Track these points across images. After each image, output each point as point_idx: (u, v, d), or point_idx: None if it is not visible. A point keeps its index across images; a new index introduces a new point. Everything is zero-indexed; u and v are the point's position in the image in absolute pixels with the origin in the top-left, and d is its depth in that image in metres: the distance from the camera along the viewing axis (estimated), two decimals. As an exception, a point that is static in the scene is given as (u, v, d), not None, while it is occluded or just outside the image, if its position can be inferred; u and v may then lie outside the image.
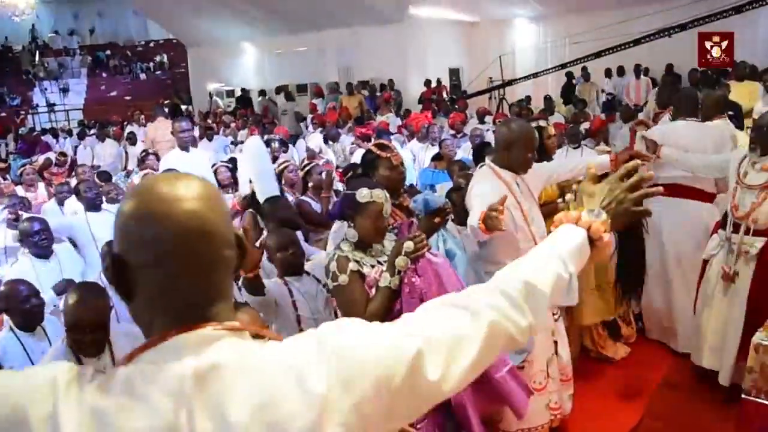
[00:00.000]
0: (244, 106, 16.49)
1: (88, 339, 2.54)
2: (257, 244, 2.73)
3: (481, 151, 4.71)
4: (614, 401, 3.93)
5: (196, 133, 10.65)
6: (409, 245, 2.40)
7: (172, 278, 0.95)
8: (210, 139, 10.38)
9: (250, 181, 4.87)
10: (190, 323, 0.95)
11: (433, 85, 14.79)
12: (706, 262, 3.95)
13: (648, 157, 3.82)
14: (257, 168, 4.27)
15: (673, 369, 4.06)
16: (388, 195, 2.57)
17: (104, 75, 24.57)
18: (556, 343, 3.33)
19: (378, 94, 14.66)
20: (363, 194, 2.50)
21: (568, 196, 4.04)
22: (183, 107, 17.58)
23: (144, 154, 7.71)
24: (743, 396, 3.24)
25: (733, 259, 3.70)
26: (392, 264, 2.42)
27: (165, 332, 0.94)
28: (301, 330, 2.95)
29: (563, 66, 13.15)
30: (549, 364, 3.25)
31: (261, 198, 3.85)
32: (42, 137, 14.68)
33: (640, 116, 6.21)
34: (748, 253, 3.62)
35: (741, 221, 3.65)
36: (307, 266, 3.18)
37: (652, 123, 4.83)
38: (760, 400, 3.19)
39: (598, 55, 12.21)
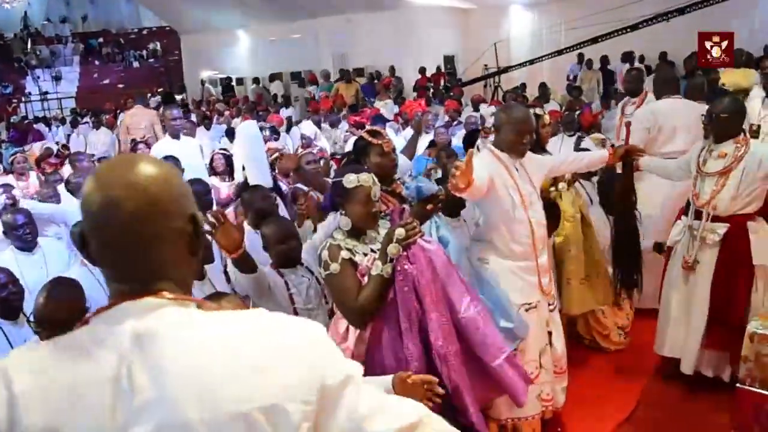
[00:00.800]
0: (231, 95, 16.39)
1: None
2: (235, 223, 2.68)
3: (472, 138, 4.68)
4: (608, 390, 3.92)
5: (194, 119, 10.64)
6: (400, 232, 2.37)
7: (112, 252, 1.04)
8: (207, 128, 10.33)
9: (243, 168, 4.85)
10: (134, 294, 1.02)
11: (432, 72, 14.72)
12: (671, 249, 4.01)
13: (643, 151, 3.85)
14: (250, 153, 4.23)
15: (667, 357, 4.04)
16: (375, 178, 2.54)
17: (97, 63, 24.38)
18: (550, 333, 3.31)
19: (376, 81, 14.60)
20: (350, 180, 2.48)
21: (561, 185, 4.01)
22: (178, 96, 17.46)
23: (134, 143, 7.66)
24: (738, 385, 3.25)
25: (694, 247, 3.73)
26: (384, 251, 2.40)
27: (114, 300, 1.02)
28: None
29: (559, 52, 13.09)
30: (542, 354, 3.23)
31: (252, 183, 3.81)
32: (34, 125, 14.59)
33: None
34: (707, 240, 3.67)
35: (702, 209, 3.69)
36: None
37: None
38: (754, 389, 3.18)
39: (594, 41, 12.15)
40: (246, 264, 2.74)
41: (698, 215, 3.73)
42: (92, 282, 3.37)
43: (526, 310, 3.12)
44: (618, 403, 3.79)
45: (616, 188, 3.93)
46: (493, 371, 2.49)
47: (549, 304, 3.30)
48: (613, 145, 3.85)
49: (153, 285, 1.04)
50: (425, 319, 2.38)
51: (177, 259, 1.08)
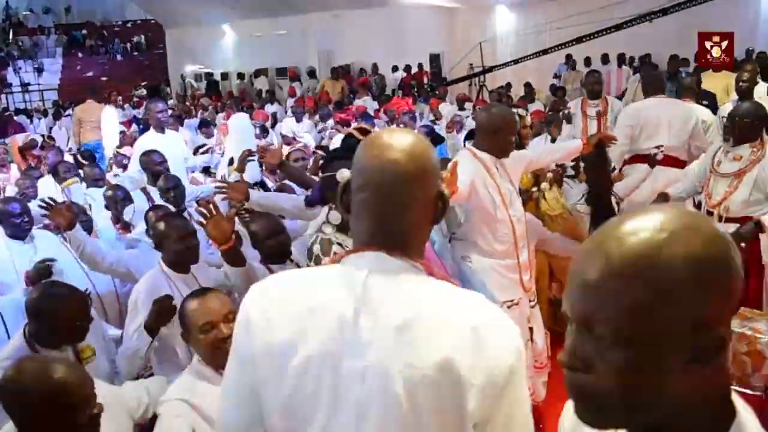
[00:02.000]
0: (214, 92, 16.27)
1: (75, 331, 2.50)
2: (226, 215, 2.69)
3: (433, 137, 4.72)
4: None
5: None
6: None
7: (377, 205, 1.19)
8: (181, 124, 10.26)
9: (231, 163, 4.83)
10: (379, 247, 1.17)
11: (415, 70, 14.76)
12: None
13: (615, 139, 3.87)
14: (241, 146, 4.22)
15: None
16: None
17: (80, 55, 24.14)
18: (531, 329, 3.34)
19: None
20: (344, 174, 2.48)
21: (543, 185, 4.06)
22: (168, 89, 17.36)
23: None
24: (715, 382, 3.29)
25: None
26: None
27: (360, 247, 1.19)
28: None
29: (545, 52, 13.17)
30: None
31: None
32: (15, 118, 14.40)
33: (618, 104, 6.32)
34: None
35: (713, 209, 3.74)
36: None
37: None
38: (732, 387, 3.24)
39: (578, 40, 12.25)
40: (235, 257, 2.74)
41: (709, 214, 3.75)
42: (77, 270, 3.38)
43: (509, 307, 3.15)
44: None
45: (591, 175, 3.97)
46: None
47: (530, 301, 3.34)
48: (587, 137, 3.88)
49: (397, 243, 1.17)
50: None
51: (421, 224, 1.23)
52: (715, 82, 7.54)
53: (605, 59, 13.07)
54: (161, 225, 2.97)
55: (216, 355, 2.06)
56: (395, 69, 14.81)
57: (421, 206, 1.20)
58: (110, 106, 9.47)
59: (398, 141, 1.21)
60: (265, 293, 1.21)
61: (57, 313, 2.45)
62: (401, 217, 1.19)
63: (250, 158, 3.90)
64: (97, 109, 9.15)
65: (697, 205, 3.94)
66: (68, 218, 3.21)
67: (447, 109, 6.99)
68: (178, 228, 2.93)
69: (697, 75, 8.39)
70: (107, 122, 5.90)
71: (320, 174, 2.89)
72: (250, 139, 4.34)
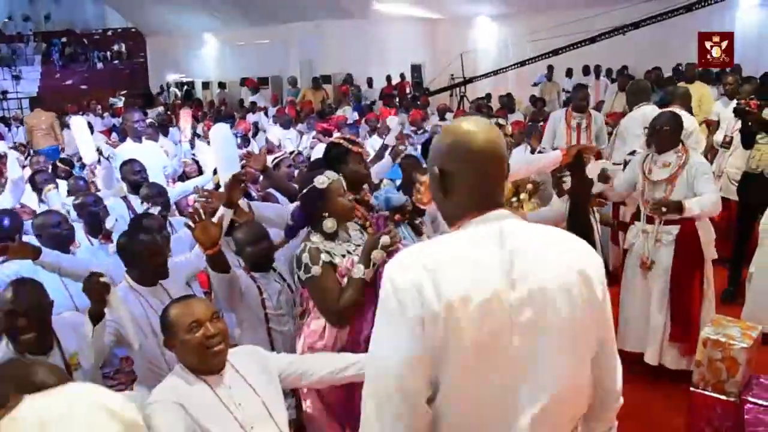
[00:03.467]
0: (190, 100, 16.18)
1: (28, 337, 2.48)
2: (215, 220, 2.70)
3: (428, 147, 4.71)
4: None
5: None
6: (386, 239, 2.46)
7: (486, 178, 1.46)
8: (165, 134, 10.20)
9: (215, 172, 4.82)
10: (492, 207, 1.45)
11: (396, 80, 14.83)
12: (626, 251, 4.33)
13: (593, 149, 3.95)
14: (223, 154, 4.19)
15: (625, 362, 4.15)
16: (335, 173, 2.65)
17: (59, 63, 23.93)
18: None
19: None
20: (321, 181, 2.58)
21: (523, 196, 4.10)
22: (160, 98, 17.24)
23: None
24: (692, 389, 3.36)
25: (650, 249, 4.05)
26: (368, 256, 2.46)
27: (478, 212, 1.44)
28: (268, 328, 2.94)
29: (522, 63, 13.33)
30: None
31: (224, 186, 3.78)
32: (-7, 125, 14.25)
33: (601, 118, 6.45)
34: (663, 240, 4.01)
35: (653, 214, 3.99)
36: None
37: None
38: (707, 392, 3.30)
39: (555, 52, 12.42)
40: (220, 263, 2.75)
41: (650, 219, 4.05)
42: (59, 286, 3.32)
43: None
44: (577, 406, 3.87)
45: (571, 185, 3.97)
46: None
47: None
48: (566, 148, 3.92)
49: (500, 204, 1.47)
50: None
51: (503, 191, 1.52)
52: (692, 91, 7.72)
53: (586, 71, 13.25)
54: (128, 239, 2.98)
55: (204, 355, 2.08)
56: (370, 83, 14.90)
57: (505, 177, 1.52)
58: (77, 116, 9.40)
59: (489, 125, 1.51)
60: (410, 260, 1.38)
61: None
62: (502, 180, 1.49)
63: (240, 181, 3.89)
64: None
65: (638, 209, 4.19)
66: (27, 252, 3.10)
67: (395, 121, 7.06)
68: (147, 244, 2.94)
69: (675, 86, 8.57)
70: (77, 131, 5.88)
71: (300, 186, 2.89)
72: (231, 147, 4.32)
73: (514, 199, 4.07)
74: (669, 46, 12.58)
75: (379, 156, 4.56)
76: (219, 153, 4.07)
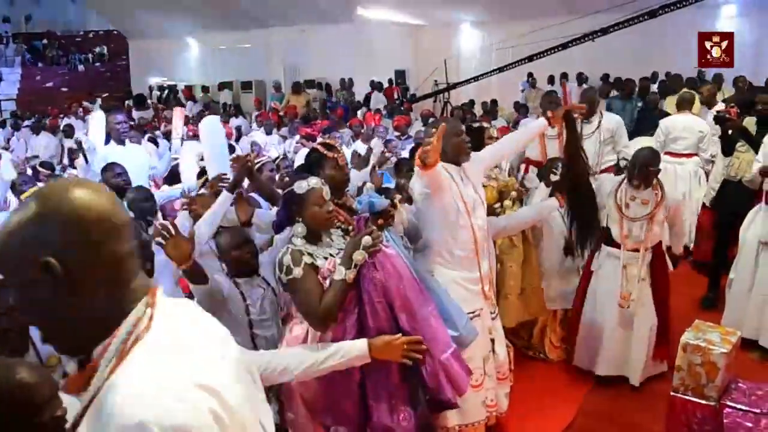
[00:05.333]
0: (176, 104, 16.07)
1: (10, 336, 2.45)
2: (187, 235, 2.67)
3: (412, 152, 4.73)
4: (550, 400, 4.02)
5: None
6: (367, 240, 2.45)
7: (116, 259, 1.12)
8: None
9: (199, 176, 4.79)
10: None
11: (386, 86, 14.86)
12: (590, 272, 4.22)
13: (582, 108, 3.91)
14: (213, 148, 4.16)
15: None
16: (323, 181, 2.63)
17: (40, 65, 23.68)
18: (493, 341, 3.39)
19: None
20: (301, 186, 2.56)
21: (506, 202, 4.12)
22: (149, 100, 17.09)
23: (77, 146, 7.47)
24: (672, 393, 3.39)
25: (629, 283, 4.00)
26: (349, 258, 2.45)
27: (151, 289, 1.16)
28: (252, 333, 2.93)
29: (501, 69, 13.42)
30: (486, 361, 3.31)
31: (213, 176, 3.75)
32: (-28, 128, 14.06)
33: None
34: (642, 274, 4.01)
35: (635, 249, 3.99)
36: None
37: None
38: (687, 397, 3.33)
39: (530, 58, 12.53)
40: (197, 275, 2.73)
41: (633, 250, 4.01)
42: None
43: (471, 319, 3.19)
44: (559, 412, 3.90)
45: (565, 150, 3.85)
46: (441, 364, 2.58)
47: (491, 313, 3.39)
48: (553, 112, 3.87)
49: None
50: (394, 321, 2.46)
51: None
52: (671, 101, 7.87)
53: (565, 77, 13.35)
54: None
55: None
56: (346, 84, 14.93)
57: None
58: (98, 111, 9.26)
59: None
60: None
61: None
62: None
63: (223, 181, 3.86)
64: None
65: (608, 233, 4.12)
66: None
67: (378, 146, 7.12)
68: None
69: (654, 95, 8.72)
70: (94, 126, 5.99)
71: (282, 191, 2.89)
72: (222, 139, 4.30)
73: (497, 206, 4.09)
74: (649, 54, 12.76)
75: (365, 160, 4.55)
76: (209, 145, 4.04)
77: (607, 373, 4.11)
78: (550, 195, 3.99)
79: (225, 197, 3.28)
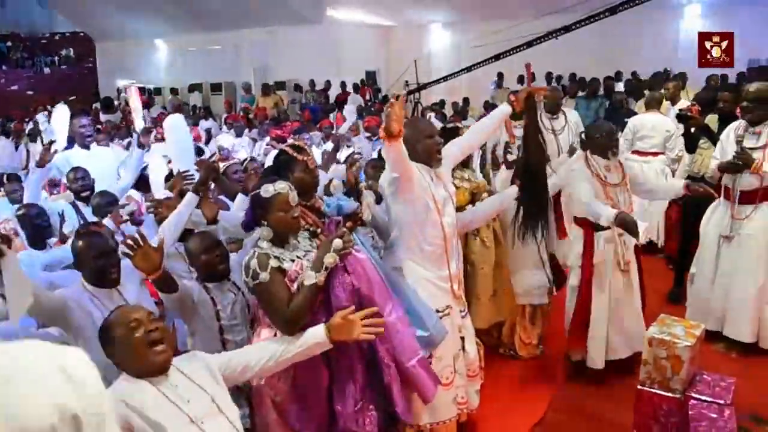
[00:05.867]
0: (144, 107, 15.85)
1: None
2: (155, 245, 2.64)
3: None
4: (520, 396, 4.07)
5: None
6: (338, 243, 2.43)
7: None
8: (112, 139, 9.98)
9: (167, 179, 4.75)
10: None
11: (350, 88, 14.88)
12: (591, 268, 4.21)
13: (543, 90, 3.92)
14: (176, 142, 4.13)
15: (575, 364, 4.27)
16: (291, 186, 2.61)
17: (4, 67, 23.24)
18: (463, 339, 3.42)
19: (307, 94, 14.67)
20: (267, 190, 2.54)
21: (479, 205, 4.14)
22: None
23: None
24: (639, 387, 3.45)
25: (624, 251, 4.11)
26: (320, 261, 2.44)
27: None
28: (223, 339, 2.91)
29: (468, 69, 13.49)
30: (456, 359, 3.33)
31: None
32: (-65, 132, 13.73)
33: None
34: (626, 243, 4.13)
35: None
36: None
37: None
38: (653, 390, 3.39)
39: (497, 57, 12.61)
40: (166, 285, 2.71)
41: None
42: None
43: (440, 318, 3.22)
44: (530, 407, 3.94)
45: (523, 132, 3.83)
46: (408, 371, 2.60)
47: (461, 311, 3.42)
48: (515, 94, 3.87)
49: None
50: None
51: None
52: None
53: (533, 77, 13.46)
54: (79, 243, 2.91)
55: (146, 355, 2.04)
56: (315, 86, 14.95)
57: None
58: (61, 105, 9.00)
59: None
60: None
61: None
62: None
63: (187, 180, 3.83)
64: None
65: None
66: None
67: (351, 110, 7.11)
68: (97, 246, 2.87)
69: (621, 95, 8.86)
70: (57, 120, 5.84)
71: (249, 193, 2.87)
72: (187, 136, 4.27)
73: (469, 206, 4.11)
74: (614, 53, 12.98)
75: (330, 160, 4.55)
76: (174, 142, 4.01)
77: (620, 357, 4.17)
78: (512, 181, 3.99)
79: (190, 198, 3.27)
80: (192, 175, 3.73)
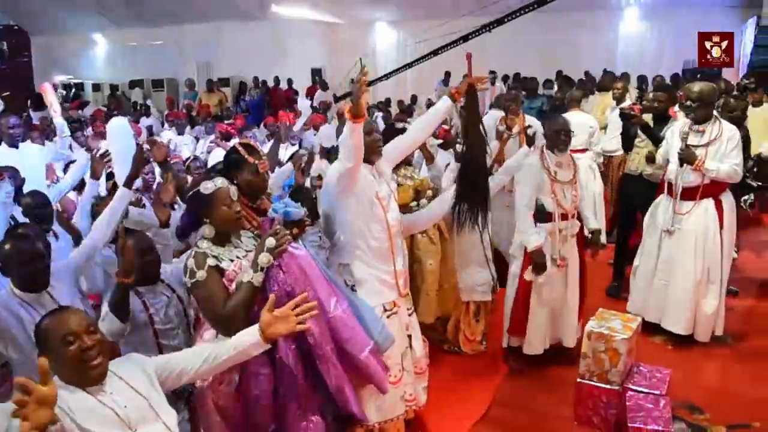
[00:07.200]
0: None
1: None
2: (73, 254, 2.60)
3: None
4: (465, 391, 4.12)
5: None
6: (270, 242, 2.40)
7: None
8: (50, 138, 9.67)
9: (108, 178, 4.62)
10: None
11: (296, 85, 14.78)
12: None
13: (484, 79, 3.78)
14: (119, 147, 4.01)
15: (517, 359, 4.36)
16: (227, 181, 2.58)
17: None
18: (410, 337, 3.44)
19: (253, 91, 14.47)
20: (207, 186, 2.50)
21: (423, 201, 4.17)
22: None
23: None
24: (578, 380, 3.54)
25: (563, 246, 4.21)
26: (256, 261, 2.41)
27: None
28: (158, 343, 2.85)
29: (409, 65, 13.66)
30: (404, 357, 3.35)
31: (120, 180, 3.62)
32: None
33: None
34: (569, 237, 4.24)
35: (567, 211, 4.18)
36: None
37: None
38: (592, 383, 3.49)
39: (435, 53, 12.79)
40: (123, 309, 2.71)
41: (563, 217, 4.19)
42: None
43: (388, 317, 3.23)
44: (475, 402, 3.99)
45: (463, 122, 3.87)
46: (361, 363, 2.60)
47: (408, 309, 3.44)
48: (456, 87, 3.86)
49: None
50: None
51: None
52: (600, 100, 8.28)
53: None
54: (6, 247, 2.81)
55: (81, 369, 1.97)
56: (290, 83, 14.82)
57: None
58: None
59: None
60: None
61: None
62: None
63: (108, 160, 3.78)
64: None
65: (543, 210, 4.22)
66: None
67: (306, 104, 7.05)
68: (24, 251, 2.79)
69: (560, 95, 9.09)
70: None
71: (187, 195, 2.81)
72: (130, 140, 4.16)
73: (413, 204, 4.13)
74: (557, 56, 13.29)
75: (274, 158, 4.50)
76: (116, 147, 3.91)
77: (550, 344, 4.31)
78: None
79: (122, 193, 3.24)
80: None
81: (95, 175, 4.17)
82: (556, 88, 10.88)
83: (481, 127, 3.67)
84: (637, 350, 3.67)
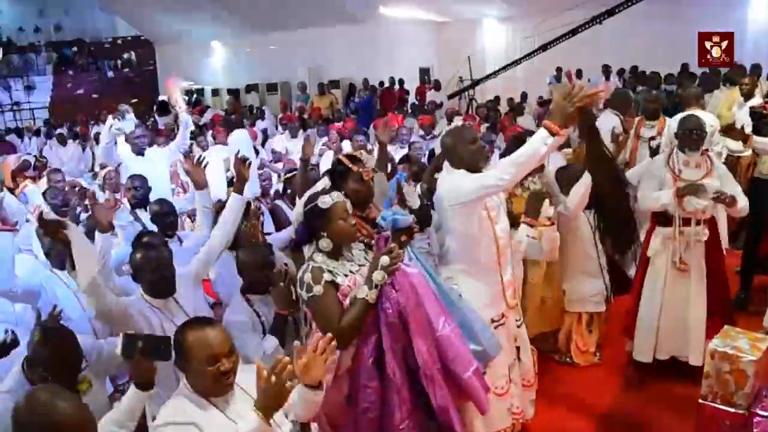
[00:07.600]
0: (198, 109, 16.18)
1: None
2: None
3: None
4: (576, 405, 4.00)
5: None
6: (385, 260, 2.44)
7: None
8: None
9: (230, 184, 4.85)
10: None
11: (417, 85, 14.83)
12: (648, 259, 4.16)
13: (595, 93, 3.31)
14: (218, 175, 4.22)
15: (635, 373, 4.17)
16: (342, 195, 2.65)
17: (71, 72, 24.09)
18: (518, 348, 3.38)
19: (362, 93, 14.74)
20: (325, 200, 2.56)
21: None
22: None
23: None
24: (700, 401, 3.34)
25: (684, 251, 4.00)
26: (370, 278, 2.45)
27: None
28: None
29: (517, 62, 13.30)
30: (511, 369, 3.30)
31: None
32: (7, 137, 14.36)
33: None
34: (698, 240, 4.02)
35: (691, 215, 3.99)
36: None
37: None
38: (715, 405, 3.28)
39: (543, 48, 12.39)
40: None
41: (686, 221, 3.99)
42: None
43: (495, 328, 3.19)
44: (586, 418, 3.87)
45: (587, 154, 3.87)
46: (464, 382, 2.59)
47: (516, 320, 3.38)
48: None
49: None
50: (409, 344, 2.47)
51: None
52: (727, 95, 7.75)
53: (593, 71, 13.18)
54: (137, 256, 2.99)
55: (217, 386, 2.07)
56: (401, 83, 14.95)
57: None
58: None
59: None
60: None
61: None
62: None
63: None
64: None
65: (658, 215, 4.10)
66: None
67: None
68: (154, 259, 2.95)
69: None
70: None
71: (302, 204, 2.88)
72: (249, 152, 4.38)
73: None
74: (674, 46, 12.56)
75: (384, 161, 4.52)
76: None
77: (670, 356, 4.11)
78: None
79: (233, 199, 3.39)
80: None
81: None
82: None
83: (605, 149, 3.58)
84: (765, 372, 3.42)
